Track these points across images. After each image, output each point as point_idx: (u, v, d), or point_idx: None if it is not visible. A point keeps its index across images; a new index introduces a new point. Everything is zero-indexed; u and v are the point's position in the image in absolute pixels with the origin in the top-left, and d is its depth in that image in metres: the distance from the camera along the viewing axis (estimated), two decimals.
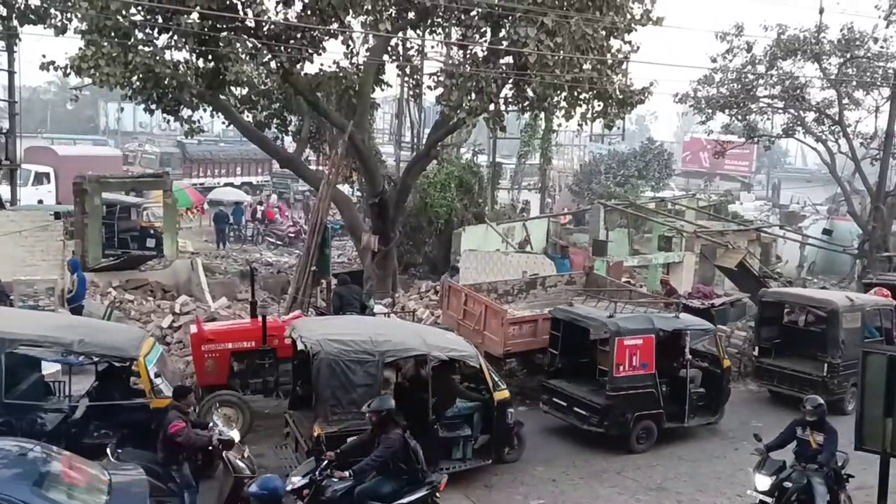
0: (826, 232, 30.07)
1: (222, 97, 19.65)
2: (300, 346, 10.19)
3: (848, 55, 24.90)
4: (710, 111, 26.81)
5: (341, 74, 19.84)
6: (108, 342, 10.16)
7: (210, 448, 8.79)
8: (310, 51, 17.21)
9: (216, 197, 38.25)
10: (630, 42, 18.47)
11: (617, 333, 12.00)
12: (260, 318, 12.65)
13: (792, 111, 27.07)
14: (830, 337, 14.48)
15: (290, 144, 26.56)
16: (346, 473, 8.23)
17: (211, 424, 9.12)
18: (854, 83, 25.91)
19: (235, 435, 9.17)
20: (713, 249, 21.92)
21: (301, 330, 10.60)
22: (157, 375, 10.04)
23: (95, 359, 10.45)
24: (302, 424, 10.54)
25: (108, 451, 8.64)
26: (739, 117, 27.51)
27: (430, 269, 24.90)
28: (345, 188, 24.92)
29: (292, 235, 32.52)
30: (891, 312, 15.42)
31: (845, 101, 25.95)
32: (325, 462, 8.36)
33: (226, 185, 43.72)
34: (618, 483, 11.32)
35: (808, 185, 55.80)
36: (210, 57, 17.16)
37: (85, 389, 10.84)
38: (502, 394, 10.99)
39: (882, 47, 24.72)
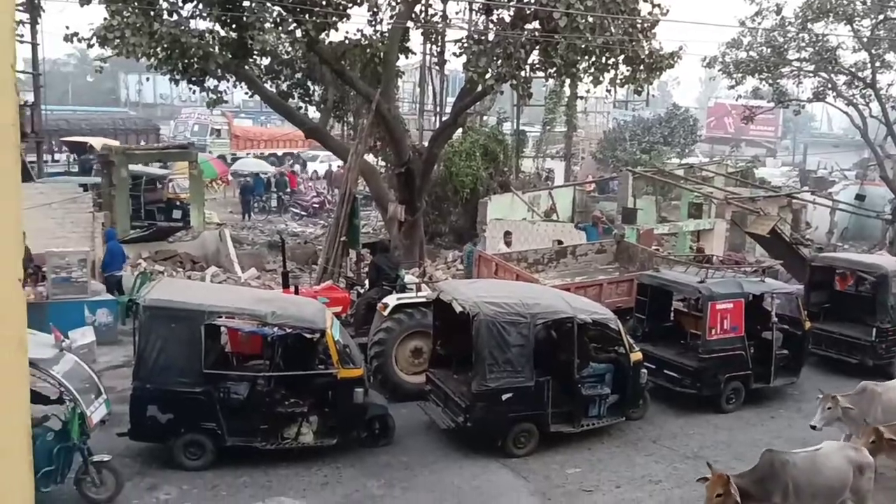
0: (859, 197, 29.54)
1: (247, 67, 19.50)
2: (457, 309, 10.66)
3: (881, 16, 24.26)
4: (739, 75, 26.31)
5: (366, 42, 19.61)
6: (298, 314, 10.34)
7: None
8: (335, 18, 17.01)
9: (239, 168, 38.28)
10: (659, 5, 18.13)
11: (710, 298, 12.38)
12: (292, 289, 12.63)
13: (823, 75, 26.50)
14: (879, 301, 14.47)
15: (313, 114, 26.38)
16: None
17: None
18: (886, 45, 25.32)
19: None
20: (744, 216, 21.61)
21: (453, 292, 11.14)
22: (345, 347, 10.24)
23: (288, 330, 10.55)
24: (449, 382, 11.14)
25: None
26: (769, 81, 27.00)
27: (456, 238, 24.79)
28: (370, 158, 24.76)
29: (316, 206, 32.49)
30: None
31: (877, 63, 25.36)
32: None
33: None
34: (654, 451, 11.25)
35: (836, 150, 54.90)
36: (234, 26, 17.01)
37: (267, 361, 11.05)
38: (636, 355, 11.50)
39: None
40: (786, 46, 25.64)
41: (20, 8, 20.34)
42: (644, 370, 11.67)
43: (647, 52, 17.57)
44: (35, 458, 8.28)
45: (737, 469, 10.47)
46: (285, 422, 10.08)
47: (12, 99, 1.76)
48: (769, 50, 25.66)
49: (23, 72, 28.31)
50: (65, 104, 57.92)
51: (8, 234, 1.74)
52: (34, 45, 23.28)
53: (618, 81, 19.21)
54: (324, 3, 16.57)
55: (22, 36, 22.16)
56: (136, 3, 15.69)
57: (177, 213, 23.20)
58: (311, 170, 41.69)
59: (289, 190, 34.32)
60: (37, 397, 9.00)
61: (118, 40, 15.67)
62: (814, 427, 9.41)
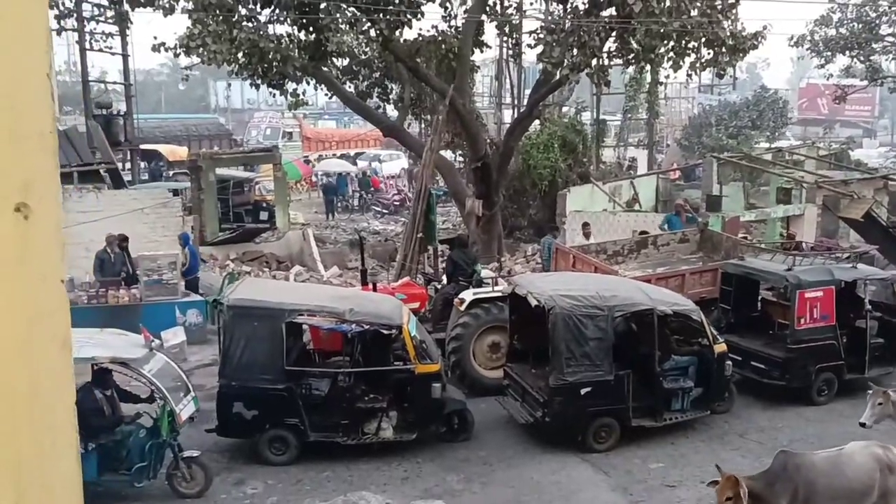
0: None
1: (325, 69, 19.85)
2: (532, 302, 10.60)
3: None
4: (829, 54, 25.25)
5: (440, 38, 19.70)
6: (375, 311, 10.55)
7: None
8: (408, 16, 17.14)
9: (322, 169, 39.02)
10: None
11: (798, 286, 11.90)
12: (371, 286, 12.79)
13: None
14: None
15: (392, 113, 26.66)
16: None
17: None
18: None
19: None
20: (836, 200, 20.67)
21: (528, 286, 11.08)
22: (421, 342, 10.42)
23: (366, 326, 10.76)
24: (527, 376, 11.12)
25: None
26: (861, 58, 25.80)
27: (536, 232, 24.61)
28: (447, 154, 24.86)
29: (397, 203, 32.84)
30: None
31: None
32: None
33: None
34: (741, 445, 10.91)
35: None
36: (311, 29, 17.35)
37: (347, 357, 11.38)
38: (720, 347, 11.16)
39: None
40: (878, 21, 24.41)
41: (109, 21, 21.25)
42: (729, 362, 11.31)
43: (728, 34, 17.03)
44: (128, 455, 8.74)
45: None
46: (365, 417, 10.24)
47: (50, 108, 1.83)
48: (860, 25, 24.51)
49: (115, 82, 29.65)
50: (158, 112, 60.27)
51: (50, 237, 1.81)
52: (125, 56, 24.23)
53: (699, 65, 18.67)
54: (397, 1, 16.72)
55: (111, 48, 23.15)
56: (216, 12, 16.19)
57: (263, 215, 23.82)
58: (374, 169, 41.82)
59: (371, 189, 34.80)
60: (129, 396, 9.44)
61: (201, 48, 16.23)
62: (863, 424, 8.91)
